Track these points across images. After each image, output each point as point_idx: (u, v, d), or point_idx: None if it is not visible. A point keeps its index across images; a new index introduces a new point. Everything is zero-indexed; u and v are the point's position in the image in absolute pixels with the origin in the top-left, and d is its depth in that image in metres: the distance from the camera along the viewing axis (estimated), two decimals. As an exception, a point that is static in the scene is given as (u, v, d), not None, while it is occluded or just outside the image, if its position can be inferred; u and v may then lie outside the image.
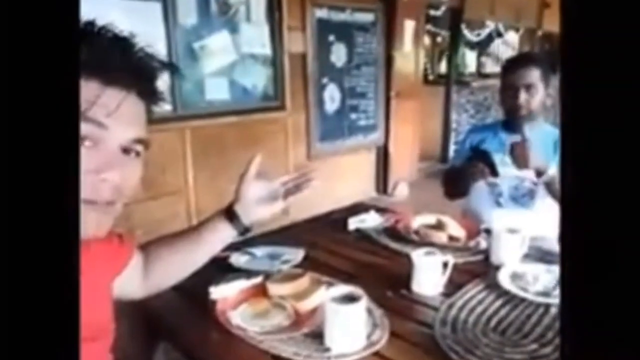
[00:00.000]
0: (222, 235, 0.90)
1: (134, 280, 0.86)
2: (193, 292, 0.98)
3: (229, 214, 0.90)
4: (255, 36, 2.98)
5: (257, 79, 3.07)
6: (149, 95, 0.63)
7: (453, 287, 1.04)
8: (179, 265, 0.91)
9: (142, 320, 1.03)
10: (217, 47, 2.78)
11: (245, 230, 0.92)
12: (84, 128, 0.53)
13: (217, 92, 2.87)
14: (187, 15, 2.61)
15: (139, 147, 0.61)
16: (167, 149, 2.70)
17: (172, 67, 0.66)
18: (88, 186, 0.54)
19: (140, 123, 0.61)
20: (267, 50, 3.06)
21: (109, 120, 0.55)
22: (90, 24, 0.55)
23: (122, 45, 0.57)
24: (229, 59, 2.87)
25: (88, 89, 0.53)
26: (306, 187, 0.95)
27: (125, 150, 0.59)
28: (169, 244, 0.91)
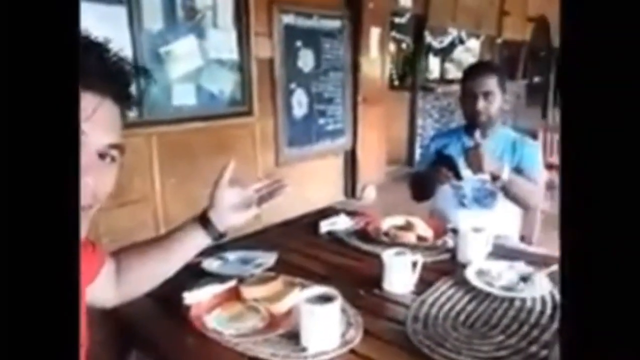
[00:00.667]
0: (196, 241, 0.90)
1: (105, 288, 0.84)
2: (166, 297, 0.97)
3: (203, 220, 0.90)
4: (223, 41, 2.98)
5: (225, 85, 3.06)
6: (124, 99, 0.62)
7: (423, 285, 1.07)
8: (152, 272, 0.90)
9: (115, 327, 1.01)
10: (184, 53, 2.76)
11: (219, 236, 0.92)
12: None
13: (184, 97, 2.84)
14: (153, 20, 2.57)
15: (115, 152, 0.61)
16: (134, 155, 2.64)
17: (145, 72, 0.67)
18: None
19: (116, 128, 0.61)
20: (234, 55, 3.06)
21: (86, 125, 0.54)
22: None
23: (97, 50, 0.57)
24: (196, 64, 2.85)
25: None
26: (279, 193, 0.97)
27: (101, 156, 0.59)
28: (141, 251, 0.90)
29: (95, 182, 0.57)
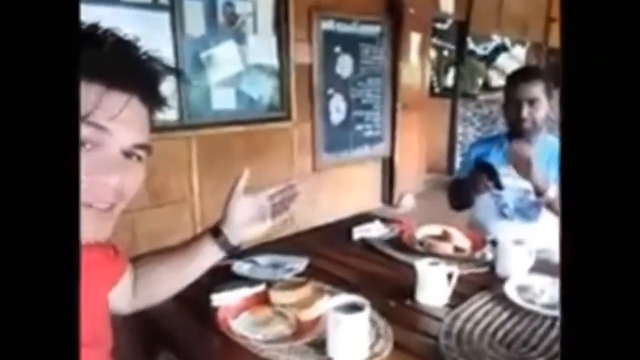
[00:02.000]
0: (209, 255, 0.88)
1: (123, 295, 0.83)
2: (195, 299, 0.97)
3: (216, 233, 0.87)
4: (262, 47, 3.01)
5: (264, 90, 3.09)
6: (152, 99, 0.62)
7: (458, 298, 1.02)
8: (167, 283, 0.88)
9: (143, 328, 1.02)
10: (224, 58, 2.80)
11: (233, 249, 0.89)
12: (85, 131, 0.52)
13: (224, 101, 2.88)
14: (195, 25, 2.63)
15: (141, 152, 0.60)
16: (173, 158, 2.70)
17: (177, 72, 0.65)
18: (87, 190, 0.53)
19: (143, 128, 0.60)
20: (273, 61, 3.09)
21: (111, 124, 0.54)
22: (94, 26, 0.54)
23: (125, 48, 0.56)
24: (236, 69, 2.89)
25: (90, 92, 0.53)
26: (293, 201, 0.93)
27: (127, 155, 0.58)
28: (156, 261, 0.88)
29: (119, 181, 0.56)
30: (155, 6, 2.44)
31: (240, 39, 2.88)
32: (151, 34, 2.31)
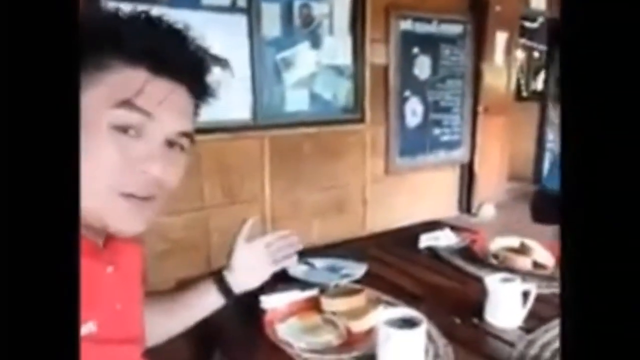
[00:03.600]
0: (210, 302, 0.84)
1: None
2: (247, 299, 0.94)
3: (219, 281, 0.84)
4: (337, 48, 2.98)
5: (338, 91, 3.06)
6: (199, 89, 0.60)
7: (534, 321, 0.89)
8: (164, 326, 0.82)
9: (201, 324, 1.01)
10: (299, 59, 2.82)
11: (234, 298, 0.86)
12: (129, 116, 0.51)
13: (298, 102, 2.89)
14: (271, 27, 2.67)
15: (185, 141, 0.58)
16: (246, 157, 2.76)
17: (224, 63, 0.62)
18: (127, 178, 0.52)
19: (188, 116, 0.58)
20: (348, 62, 3.05)
21: (156, 110, 0.52)
22: (145, 12, 0.53)
23: (175, 36, 0.55)
24: (310, 70, 2.89)
25: (136, 76, 0.51)
26: (293, 254, 0.92)
27: (170, 144, 0.56)
28: (155, 303, 0.82)
29: (160, 170, 0.53)
30: (233, 9, 2.50)
31: (315, 40, 2.87)
32: (228, 36, 2.41)
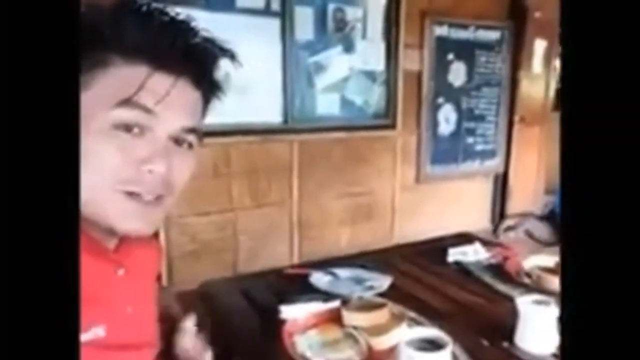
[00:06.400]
0: None
1: None
2: (267, 307, 0.93)
3: None
4: (370, 53, 2.95)
5: (369, 96, 3.02)
6: (204, 82, 0.57)
7: (570, 348, 0.84)
8: None
9: (218, 331, 1.00)
10: (331, 63, 2.80)
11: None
12: (131, 114, 0.49)
13: (328, 107, 2.87)
14: (304, 31, 2.66)
15: (191, 138, 0.56)
16: (275, 160, 2.76)
17: (231, 54, 0.58)
18: (132, 177, 0.50)
19: (193, 112, 0.56)
20: (381, 67, 3.01)
21: (158, 107, 0.50)
22: (145, 5, 0.51)
23: (175, 28, 0.52)
24: (342, 75, 2.86)
25: (135, 73, 0.50)
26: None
27: (177, 141, 0.54)
28: None
29: (166, 168, 0.52)
30: (267, 12, 2.51)
31: (348, 44, 2.85)
32: (261, 39, 2.42)
